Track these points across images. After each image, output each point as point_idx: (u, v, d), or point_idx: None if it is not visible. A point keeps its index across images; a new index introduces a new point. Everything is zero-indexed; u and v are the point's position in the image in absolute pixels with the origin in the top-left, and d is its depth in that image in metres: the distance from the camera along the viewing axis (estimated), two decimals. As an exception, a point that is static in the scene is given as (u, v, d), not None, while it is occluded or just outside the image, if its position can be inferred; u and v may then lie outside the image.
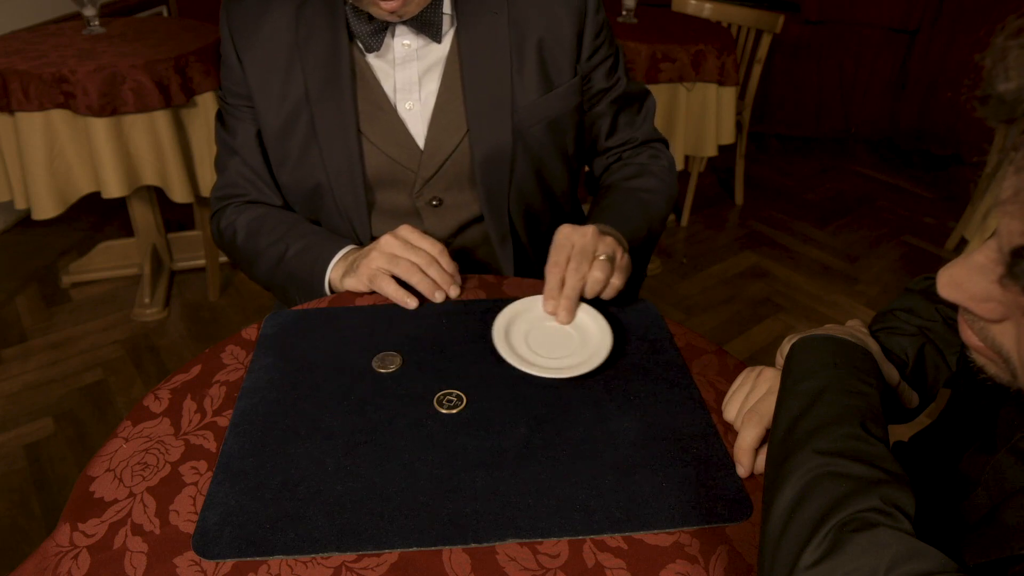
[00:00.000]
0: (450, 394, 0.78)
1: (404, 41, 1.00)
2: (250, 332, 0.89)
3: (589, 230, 0.87)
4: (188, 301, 2.47)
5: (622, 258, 0.89)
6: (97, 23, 2.19)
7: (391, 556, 0.62)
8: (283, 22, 1.01)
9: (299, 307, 0.94)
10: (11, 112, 1.92)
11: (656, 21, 2.64)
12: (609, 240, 0.88)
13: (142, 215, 2.42)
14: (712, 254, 2.84)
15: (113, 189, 1.99)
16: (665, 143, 1.19)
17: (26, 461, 1.85)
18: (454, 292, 0.94)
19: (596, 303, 0.88)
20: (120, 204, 2.35)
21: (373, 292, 0.94)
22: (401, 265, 0.91)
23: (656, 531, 0.64)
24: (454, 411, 0.76)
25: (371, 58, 1.01)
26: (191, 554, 0.62)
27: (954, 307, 0.48)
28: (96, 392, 2.08)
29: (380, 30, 0.98)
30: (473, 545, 0.62)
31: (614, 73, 1.11)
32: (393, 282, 0.92)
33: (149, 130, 1.99)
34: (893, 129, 3.70)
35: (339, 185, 1.03)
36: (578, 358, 0.82)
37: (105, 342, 2.27)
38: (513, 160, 1.04)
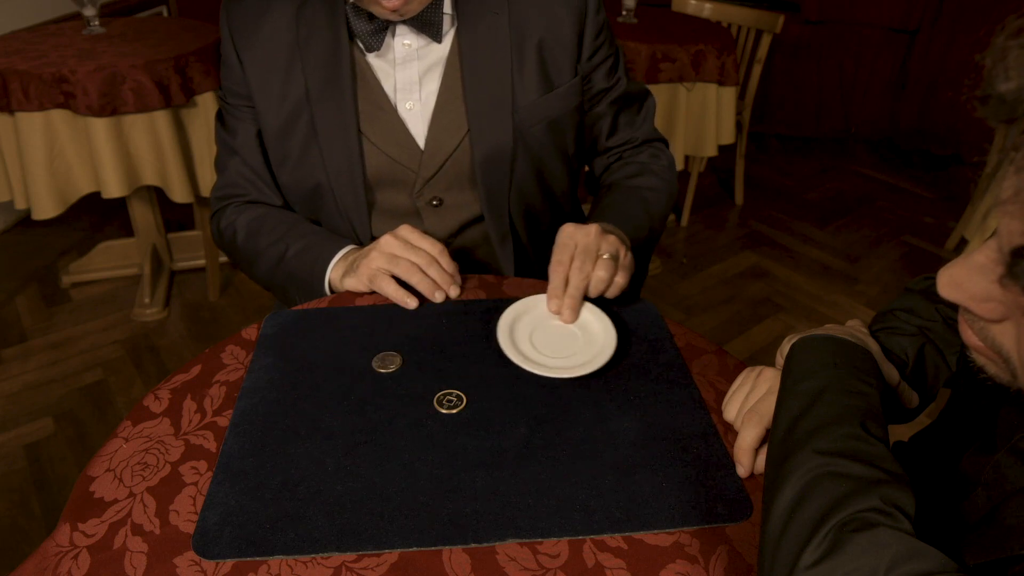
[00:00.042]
0: (450, 394, 0.78)
1: (405, 41, 1.00)
2: (250, 332, 0.89)
3: (592, 229, 0.87)
4: (188, 301, 2.47)
5: (625, 256, 0.89)
6: (97, 23, 2.19)
7: (391, 556, 0.62)
8: (283, 22, 1.01)
9: (299, 307, 0.94)
10: (11, 112, 1.92)
11: (656, 21, 2.64)
12: (612, 239, 0.88)
13: (142, 215, 2.42)
14: (712, 254, 2.84)
15: (113, 189, 1.99)
16: (665, 142, 1.20)
17: (26, 461, 1.85)
18: (454, 292, 0.94)
19: (598, 302, 0.88)
20: (120, 204, 2.35)
21: (373, 292, 0.94)
22: (401, 265, 0.91)
23: (656, 531, 0.64)
24: (454, 411, 0.76)
25: (371, 58, 1.01)
26: (191, 554, 0.62)
27: (954, 307, 0.48)
28: (96, 392, 2.08)
29: (380, 30, 0.98)
30: (473, 545, 0.62)
31: (614, 73, 1.11)
32: (393, 282, 0.92)
33: (149, 130, 1.99)
34: (893, 129, 3.70)
35: (339, 185, 1.03)
36: (583, 357, 0.82)
37: (105, 342, 2.27)
38: (513, 160, 1.04)
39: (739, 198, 3.20)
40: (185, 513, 0.65)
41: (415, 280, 0.91)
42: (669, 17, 2.76)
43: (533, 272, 1.12)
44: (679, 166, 2.50)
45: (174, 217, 2.70)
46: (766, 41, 2.78)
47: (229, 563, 0.61)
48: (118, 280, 2.55)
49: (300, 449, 0.72)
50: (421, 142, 1.03)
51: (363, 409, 0.77)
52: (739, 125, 2.84)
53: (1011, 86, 0.41)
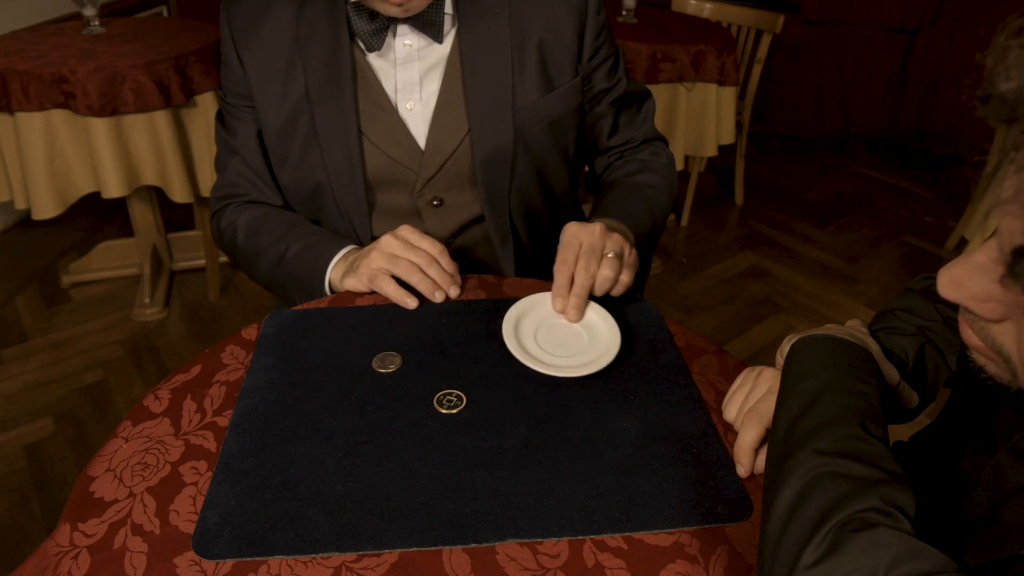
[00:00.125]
0: (450, 394, 0.78)
1: (405, 41, 1.00)
2: (250, 332, 0.89)
3: (597, 227, 0.87)
4: (188, 301, 2.47)
5: (630, 254, 0.89)
6: (97, 23, 2.19)
7: (391, 556, 0.62)
8: (283, 22, 1.01)
9: (299, 307, 0.94)
10: (11, 112, 1.92)
11: (656, 21, 2.64)
12: (617, 237, 0.88)
13: (142, 215, 2.42)
14: (712, 254, 2.84)
15: (113, 189, 1.99)
16: (665, 141, 1.20)
17: (26, 461, 1.85)
18: (454, 292, 0.94)
19: (602, 301, 0.88)
20: (120, 204, 2.35)
21: (373, 292, 0.94)
22: (401, 265, 0.91)
23: (656, 531, 0.64)
24: (454, 411, 0.76)
25: (372, 58, 1.01)
26: (191, 554, 0.62)
27: (954, 307, 0.48)
28: (96, 392, 2.08)
29: (381, 29, 0.98)
30: (473, 545, 0.62)
31: (614, 73, 1.11)
32: (393, 282, 0.92)
33: (149, 130, 1.99)
34: (893, 129, 3.70)
35: (340, 185, 1.03)
36: (588, 357, 0.82)
37: (105, 342, 2.27)
38: (514, 160, 1.04)
39: (739, 198, 3.20)
40: (185, 513, 0.65)
41: (415, 280, 0.91)
42: (669, 17, 2.76)
43: (534, 272, 1.12)
44: (679, 166, 2.50)
45: (174, 217, 2.70)
46: (766, 41, 2.78)
47: (229, 563, 0.61)
48: (118, 280, 2.55)
49: (300, 449, 0.72)
50: (422, 142, 1.03)
51: (363, 409, 0.77)
52: (739, 125, 2.84)
53: (1012, 85, 0.41)
